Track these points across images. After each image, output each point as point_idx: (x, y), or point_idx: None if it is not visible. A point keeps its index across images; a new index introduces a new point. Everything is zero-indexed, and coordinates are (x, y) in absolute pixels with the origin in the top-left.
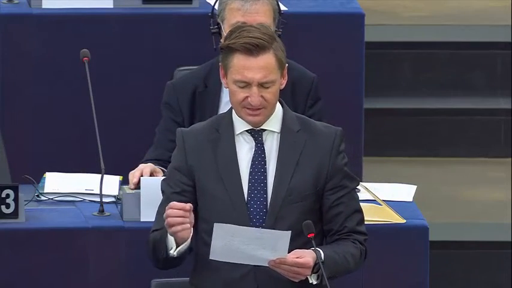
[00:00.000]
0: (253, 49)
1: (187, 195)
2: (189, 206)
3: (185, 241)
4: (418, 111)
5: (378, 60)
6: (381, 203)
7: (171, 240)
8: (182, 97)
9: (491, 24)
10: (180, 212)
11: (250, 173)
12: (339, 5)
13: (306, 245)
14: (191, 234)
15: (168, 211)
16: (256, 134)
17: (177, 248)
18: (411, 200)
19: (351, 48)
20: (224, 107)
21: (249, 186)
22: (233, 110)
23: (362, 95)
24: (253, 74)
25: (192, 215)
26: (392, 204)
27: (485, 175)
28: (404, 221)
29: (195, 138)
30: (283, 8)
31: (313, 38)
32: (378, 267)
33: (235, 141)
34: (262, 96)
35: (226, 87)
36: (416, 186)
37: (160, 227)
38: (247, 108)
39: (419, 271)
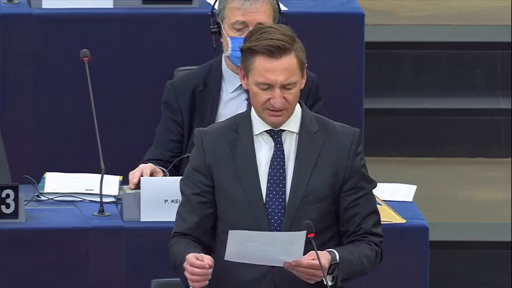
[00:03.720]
0: (276, 51)
1: (207, 196)
2: (208, 264)
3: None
4: (418, 111)
5: (378, 60)
6: (381, 203)
7: None
8: (182, 96)
9: (491, 24)
10: (200, 271)
11: (269, 174)
12: (339, 5)
13: (322, 246)
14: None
15: (188, 269)
16: (276, 134)
17: None
18: (411, 200)
19: (351, 48)
20: (224, 106)
21: (267, 186)
22: (251, 111)
23: (362, 95)
24: (276, 76)
25: (210, 271)
26: (393, 204)
27: (485, 175)
28: (404, 221)
29: (213, 138)
30: (283, 8)
31: (313, 38)
32: (378, 267)
33: (254, 141)
34: (284, 98)
35: (246, 88)
36: (416, 186)
37: (181, 230)
38: (270, 110)
39: (419, 271)
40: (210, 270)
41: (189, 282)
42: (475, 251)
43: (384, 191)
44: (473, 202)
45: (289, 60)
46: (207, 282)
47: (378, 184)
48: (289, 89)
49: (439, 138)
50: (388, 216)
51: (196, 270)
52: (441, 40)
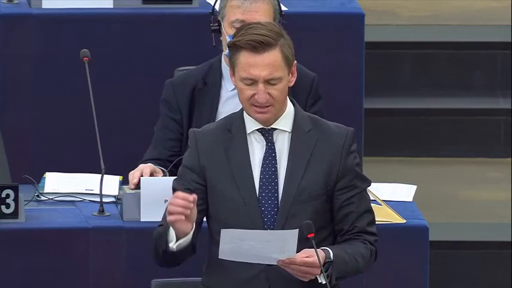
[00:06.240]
0: (259, 46)
1: (199, 194)
2: (192, 197)
3: (185, 235)
4: (418, 111)
5: (378, 60)
6: (381, 203)
7: (171, 233)
8: (181, 95)
9: (491, 24)
10: (182, 202)
11: (261, 172)
12: (339, 5)
13: (317, 245)
14: (192, 230)
15: (171, 201)
16: (267, 133)
17: (177, 241)
18: (411, 200)
19: (351, 48)
20: (223, 104)
21: (260, 185)
22: (244, 110)
23: (362, 95)
24: (259, 71)
25: (195, 209)
26: (392, 204)
27: (485, 175)
28: (405, 221)
29: (208, 139)
30: (283, 8)
31: (313, 38)
32: (378, 267)
33: (247, 140)
34: (269, 93)
35: (234, 85)
36: (416, 186)
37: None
38: (255, 106)
39: (419, 271)
40: (191, 205)
41: (167, 215)
42: (475, 251)
43: (384, 191)
44: (473, 202)
45: (273, 56)
46: (183, 217)
47: (378, 184)
48: (273, 84)
49: (439, 138)
50: (388, 216)
51: (179, 200)
52: (441, 40)
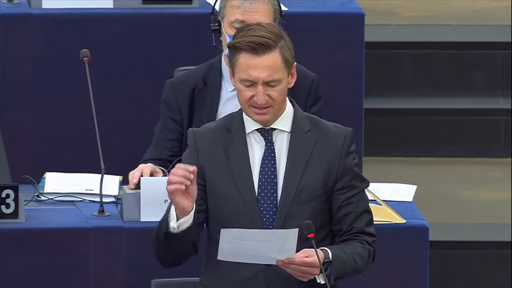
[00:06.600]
0: (258, 48)
1: (199, 194)
2: (193, 168)
3: (186, 215)
4: (418, 111)
5: (378, 60)
6: (381, 203)
7: (172, 213)
8: (181, 95)
9: (491, 24)
10: (182, 172)
11: (260, 172)
12: (339, 5)
13: (316, 245)
14: (193, 210)
15: (172, 170)
16: (266, 133)
17: (177, 220)
18: (411, 200)
19: (351, 48)
20: (223, 104)
21: (259, 185)
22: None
23: (362, 95)
24: (258, 72)
25: (195, 185)
26: (392, 204)
27: (485, 175)
28: (405, 221)
29: (207, 138)
30: (283, 8)
31: (313, 38)
32: (378, 267)
33: (247, 140)
34: (268, 95)
35: (234, 86)
36: (416, 186)
37: None
38: (254, 107)
39: (419, 271)
40: (191, 176)
41: (167, 186)
42: (475, 251)
43: (384, 191)
44: (473, 202)
45: (273, 58)
46: (183, 187)
47: (378, 184)
48: (273, 86)
49: (439, 138)
50: (388, 216)
51: (179, 171)
52: (441, 40)
